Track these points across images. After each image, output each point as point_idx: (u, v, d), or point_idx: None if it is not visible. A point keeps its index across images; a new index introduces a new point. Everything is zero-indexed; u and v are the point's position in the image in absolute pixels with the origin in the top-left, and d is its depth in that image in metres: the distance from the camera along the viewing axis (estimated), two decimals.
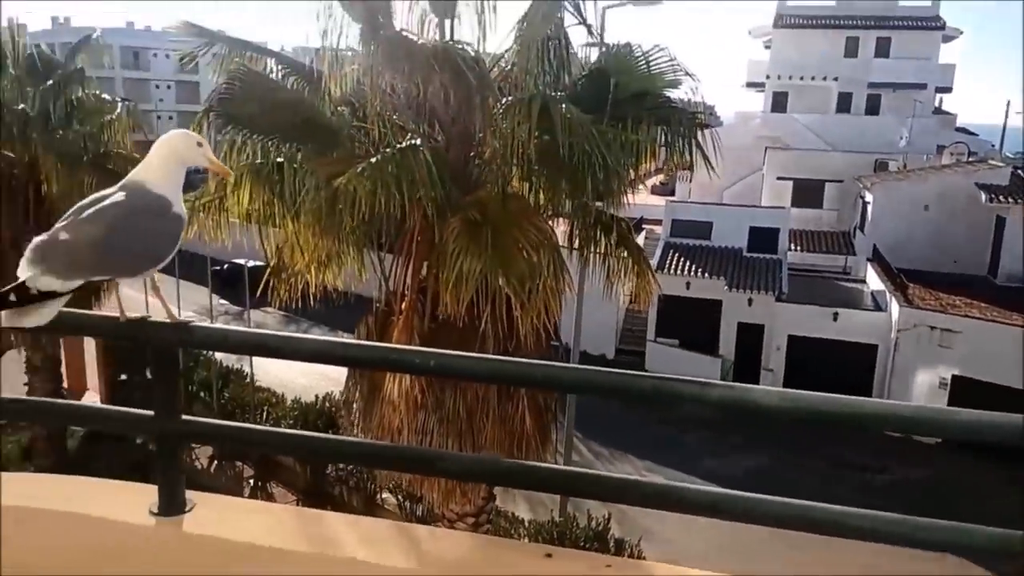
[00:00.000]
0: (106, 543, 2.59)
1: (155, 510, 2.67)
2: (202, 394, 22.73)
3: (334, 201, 8.53)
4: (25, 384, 18.95)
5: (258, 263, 23.86)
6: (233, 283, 27.50)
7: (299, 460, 18.43)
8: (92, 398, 26.07)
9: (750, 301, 27.94)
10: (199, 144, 2.62)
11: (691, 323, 28.06)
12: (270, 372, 24.77)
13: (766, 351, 27.83)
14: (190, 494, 2.74)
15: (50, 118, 16.44)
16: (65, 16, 65.95)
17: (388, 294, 10.52)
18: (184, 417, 2.68)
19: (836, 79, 42.41)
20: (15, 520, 2.73)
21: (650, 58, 9.14)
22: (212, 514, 2.71)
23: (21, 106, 16.28)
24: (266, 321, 29.28)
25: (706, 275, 28.52)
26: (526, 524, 15.52)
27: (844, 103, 42.74)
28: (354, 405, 10.53)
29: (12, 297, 2.14)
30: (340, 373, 23.00)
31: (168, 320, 2.55)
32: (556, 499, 16.29)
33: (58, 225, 2.28)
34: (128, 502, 2.80)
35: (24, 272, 2.16)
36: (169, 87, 69.89)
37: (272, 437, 2.86)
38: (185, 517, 2.66)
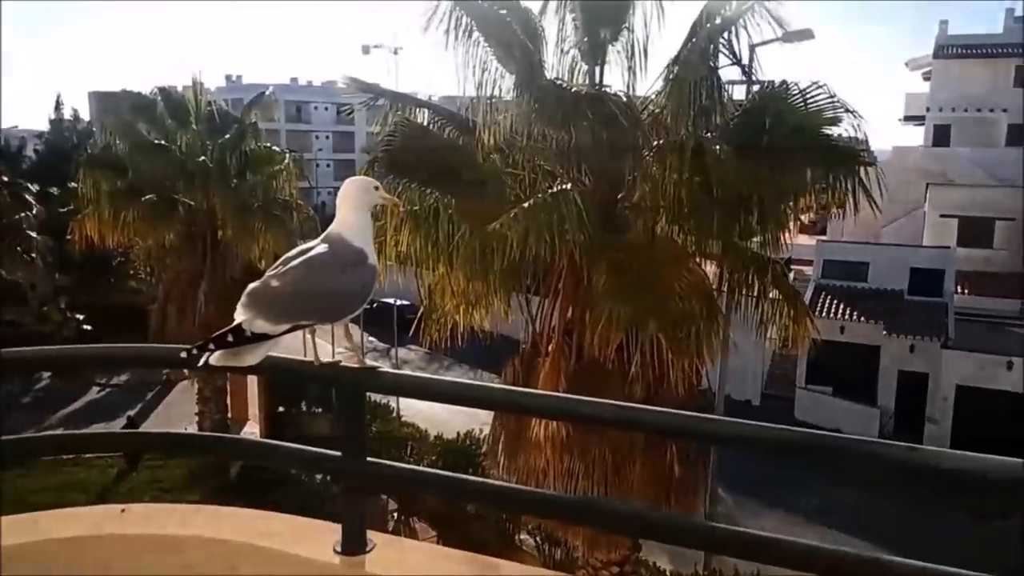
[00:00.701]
0: None
1: (338, 548, 2.78)
2: None
3: (485, 245, 8.77)
4: (196, 413, 20.44)
5: (405, 302, 24.87)
6: (381, 321, 28.65)
7: (440, 499, 18.79)
8: (252, 428, 27.83)
9: (912, 347, 25.99)
10: (376, 187, 2.79)
11: (845, 369, 26.39)
12: (412, 406, 25.57)
13: (930, 402, 25.69)
14: (370, 534, 2.83)
15: (226, 169, 17.99)
16: (237, 74, 72.10)
17: (534, 335, 10.62)
18: (368, 459, 2.78)
19: (1005, 110, 39.32)
20: (207, 551, 2.92)
21: (807, 95, 8.83)
22: (393, 555, 2.79)
23: (202, 158, 17.91)
24: (410, 358, 30.27)
25: (862, 319, 26.83)
26: None
27: (1015, 135, 39.47)
28: (499, 445, 10.62)
29: (230, 338, 2.31)
30: (481, 411, 23.44)
31: (358, 364, 2.68)
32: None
33: (269, 273, 2.46)
34: (312, 538, 2.92)
35: (240, 315, 2.33)
36: (327, 137, 74.82)
37: (449, 481, 2.91)
38: (367, 557, 2.75)
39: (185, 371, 24.16)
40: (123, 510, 3.13)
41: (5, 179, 22.61)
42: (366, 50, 66.90)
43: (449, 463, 19.54)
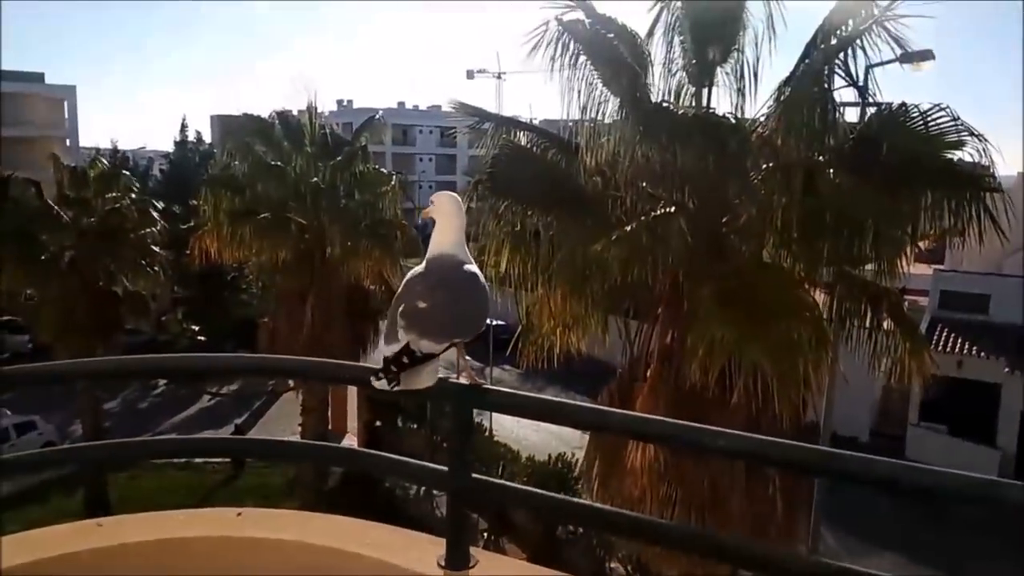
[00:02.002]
0: None
1: (442, 563, 2.80)
2: (445, 444, 24.07)
3: (586, 267, 8.76)
4: (299, 424, 21.18)
5: (500, 322, 25.09)
6: (475, 340, 28.94)
7: (529, 519, 18.75)
8: (351, 440, 28.61)
9: None
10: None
11: (962, 407, 24.82)
12: (505, 426, 25.69)
13: None
14: (473, 550, 2.84)
15: (337, 189, 18.70)
16: (349, 99, 75.19)
17: (631, 360, 10.48)
18: (474, 476, 2.81)
19: None
20: (314, 556, 3.01)
21: (928, 117, 8.42)
22: (497, 572, 2.79)
23: (314, 179, 18.69)
24: (503, 378, 30.44)
25: (982, 354, 25.20)
26: None
27: None
28: (594, 470, 10.51)
29: (405, 359, 2.39)
30: (571, 433, 23.28)
31: (467, 381, 2.71)
32: None
33: (409, 296, 2.52)
34: (417, 551, 2.96)
35: (403, 338, 2.41)
36: (431, 159, 76.92)
37: (554, 502, 2.90)
38: (471, 572, 2.76)
39: (290, 382, 25.23)
40: (239, 513, 3.27)
41: (134, 196, 24.14)
42: (470, 75, 68.50)
43: (540, 485, 19.48)
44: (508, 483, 2.91)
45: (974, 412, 24.91)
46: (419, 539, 3.06)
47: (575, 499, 2.95)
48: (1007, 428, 24.89)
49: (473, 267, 2.69)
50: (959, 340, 25.86)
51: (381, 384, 2.42)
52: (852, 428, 26.31)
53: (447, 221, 2.69)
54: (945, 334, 26.11)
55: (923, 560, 19.48)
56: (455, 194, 2.86)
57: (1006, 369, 24.62)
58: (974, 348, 25.50)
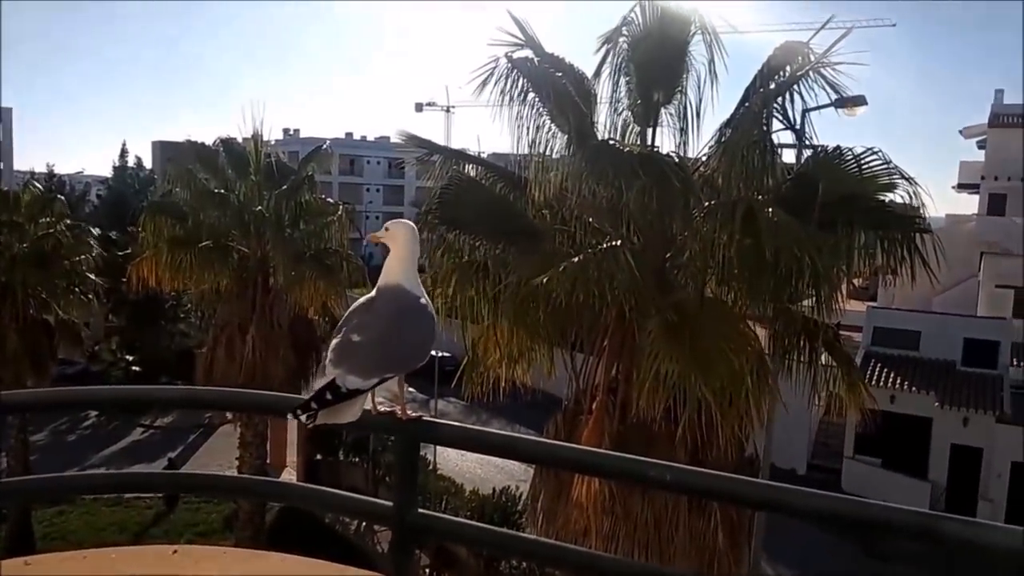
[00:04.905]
0: None
1: None
2: (387, 478, 23.66)
3: (532, 298, 8.79)
4: (237, 458, 20.57)
5: (445, 354, 24.95)
6: (421, 372, 28.69)
7: (472, 553, 18.51)
8: (290, 474, 27.91)
9: (965, 421, 25.07)
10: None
11: (895, 441, 25.52)
12: (449, 459, 25.42)
13: (984, 479, 24.65)
14: None
15: (281, 218, 18.45)
16: (295, 128, 74.46)
17: (578, 392, 10.52)
18: (421, 511, 2.76)
19: None
20: None
21: (862, 161, 8.79)
22: None
23: (259, 207, 18.42)
24: (448, 410, 30.21)
25: (913, 389, 26.03)
26: None
27: None
28: (539, 503, 10.46)
29: (328, 396, 2.33)
30: (515, 466, 23.17)
31: (400, 414, 2.65)
32: None
33: (345, 328, 2.48)
34: None
35: (330, 372, 2.36)
36: (378, 190, 76.61)
37: (501, 538, 2.88)
38: None
39: (228, 415, 24.53)
40: (175, 551, 3.16)
41: (68, 222, 23.41)
42: (419, 108, 68.90)
43: (485, 519, 19.30)
44: (455, 518, 2.87)
45: (907, 445, 25.61)
46: None
47: (523, 535, 2.94)
48: (938, 461, 25.65)
49: (424, 299, 2.66)
50: (892, 375, 26.69)
51: (301, 419, 2.36)
52: (790, 460, 26.84)
53: (400, 251, 2.65)
54: (878, 369, 26.93)
55: None
56: (411, 223, 2.82)
57: (936, 403, 25.45)
58: (906, 383, 26.33)
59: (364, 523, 20.76)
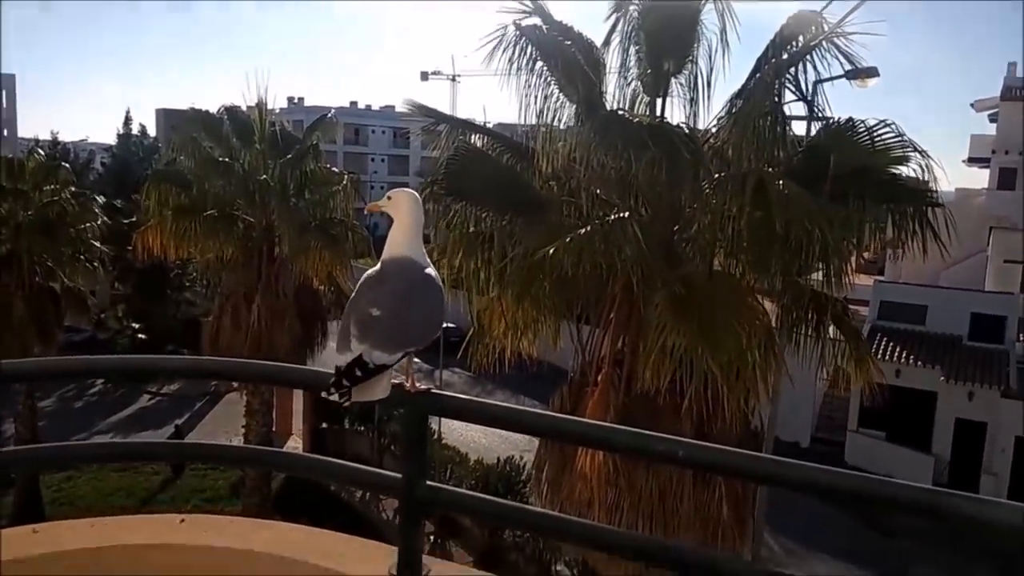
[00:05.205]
0: None
1: (394, 572, 2.73)
2: (392, 447, 23.86)
3: (538, 270, 8.75)
4: (243, 426, 20.72)
5: (451, 325, 25.05)
6: None
7: (476, 523, 18.69)
8: (295, 443, 28.14)
9: (971, 395, 25.10)
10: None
11: (900, 415, 25.56)
12: (454, 429, 25.58)
13: (988, 453, 24.74)
14: (425, 559, 2.78)
15: (286, 188, 18.37)
16: (300, 96, 73.97)
17: (583, 364, 10.52)
18: (429, 483, 2.74)
19: None
20: (265, 568, 2.91)
21: (874, 133, 8.67)
22: None
23: (263, 176, 18.32)
24: (453, 381, 30.34)
25: (919, 363, 26.03)
26: None
27: None
28: (544, 473, 10.51)
29: (358, 372, 2.28)
30: (518, 436, 23.31)
31: (409, 386, 2.62)
32: None
33: (364, 302, 2.42)
34: (368, 560, 2.88)
35: (355, 348, 2.30)
36: (383, 160, 76.22)
37: (508, 510, 2.87)
38: None
39: (234, 384, 24.66)
40: (182, 520, 3.15)
41: (73, 189, 23.36)
42: (425, 76, 68.27)
43: (489, 489, 19.47)
44: (463, 491, 2.86)
45: (911, 419, 25.68)
46: (369, 547, 2.99)
47: (529, 507, 2.93)
48: (942, 435, 25.72)
49: (430, 270, 2.61)
50: (898, 349, 26.68)
51: (334, 398, 2.33)
52: (794, 433, 26.94)
53: (405, 221, 2.58)
54: (884, 343, 26.91)
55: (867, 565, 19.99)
56: (415, 192, 2.77)
57: (942, 378, 25.46)
58: (912, 357, 26.33)
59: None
